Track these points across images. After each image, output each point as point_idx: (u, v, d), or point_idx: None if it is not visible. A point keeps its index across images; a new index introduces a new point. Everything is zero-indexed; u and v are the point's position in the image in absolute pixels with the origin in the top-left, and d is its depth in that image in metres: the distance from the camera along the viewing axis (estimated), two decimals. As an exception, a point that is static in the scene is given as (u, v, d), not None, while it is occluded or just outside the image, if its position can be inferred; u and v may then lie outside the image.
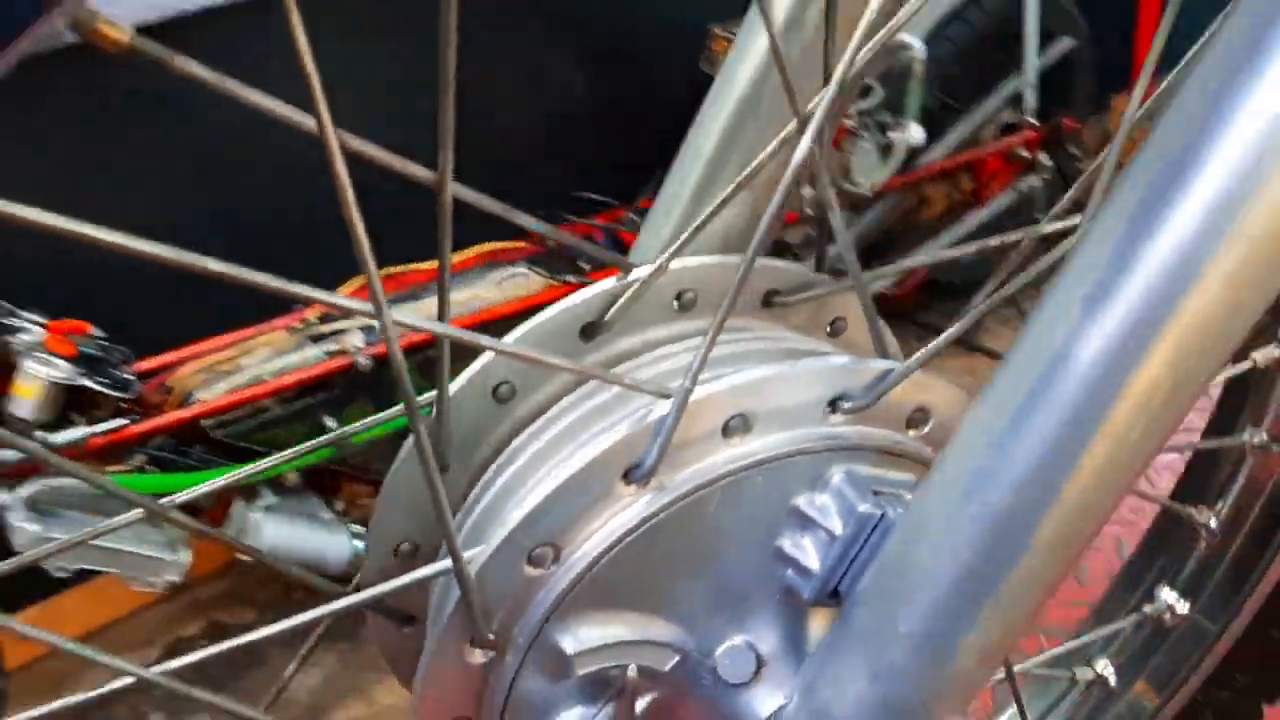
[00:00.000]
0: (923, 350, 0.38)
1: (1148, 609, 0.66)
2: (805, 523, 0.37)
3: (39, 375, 1.20)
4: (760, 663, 0.38)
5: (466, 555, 0.35)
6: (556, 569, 0.37)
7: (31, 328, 1.22)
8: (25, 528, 1.22)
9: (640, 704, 0.38)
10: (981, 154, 1.88)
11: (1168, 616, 0.65)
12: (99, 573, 1.27)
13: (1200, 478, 0.67)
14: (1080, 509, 0.32)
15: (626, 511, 0.36)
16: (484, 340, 0.35)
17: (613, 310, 0.42)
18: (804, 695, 0.37)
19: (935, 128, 1.86)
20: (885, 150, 1.74)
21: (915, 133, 1.74)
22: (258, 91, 0.27)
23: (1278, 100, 0.27)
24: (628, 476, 0.36)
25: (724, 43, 1.70)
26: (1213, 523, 0.63)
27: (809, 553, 0.37)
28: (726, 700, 0.38)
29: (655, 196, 0.48)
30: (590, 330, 0.42)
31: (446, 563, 0.35)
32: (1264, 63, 0.28)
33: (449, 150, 0.30)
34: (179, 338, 1.29)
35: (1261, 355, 0.60)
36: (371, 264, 0.29)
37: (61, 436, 1.23)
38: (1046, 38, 1.92)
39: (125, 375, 1.24)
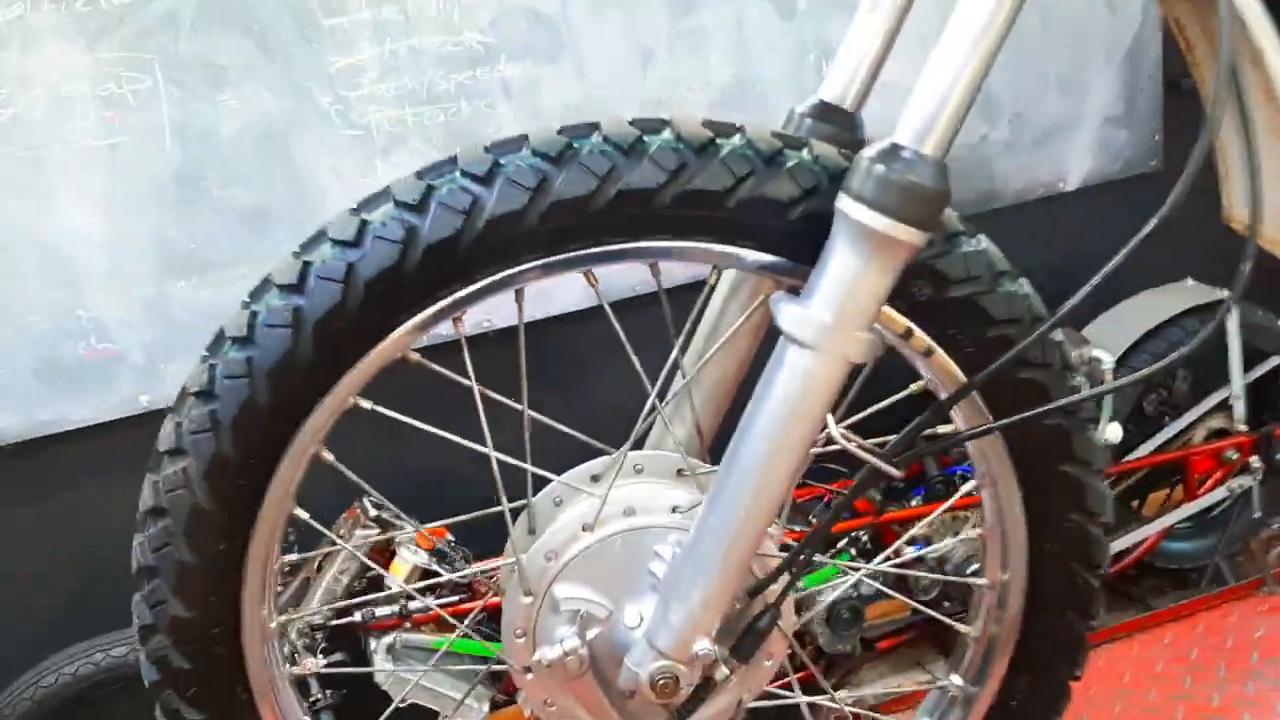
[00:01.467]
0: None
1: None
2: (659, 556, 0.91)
3: (408, 560, 1.89)
4: (641, 618, 0.91)
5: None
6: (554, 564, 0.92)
7: (408, 528, 1.93)
8: (383, 664, 1.87)
9: (589, 633, 0.91)
10: (1189, 454, 2.19)
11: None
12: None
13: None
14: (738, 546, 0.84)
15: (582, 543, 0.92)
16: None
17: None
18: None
19: (1150, 430, 2.22)
20: (1084, 444, 2.13)
21: (1112, 431, 2.12)
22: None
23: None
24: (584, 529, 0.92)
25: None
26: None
27: (661, 566, 0.90)
28: (622, 635, 0.91)
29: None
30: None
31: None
32: None
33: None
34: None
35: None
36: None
37: (415, 604, 1.89)
38: (1257, 355, 2.24)
39: (463, 568, 1.89)
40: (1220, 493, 2.22)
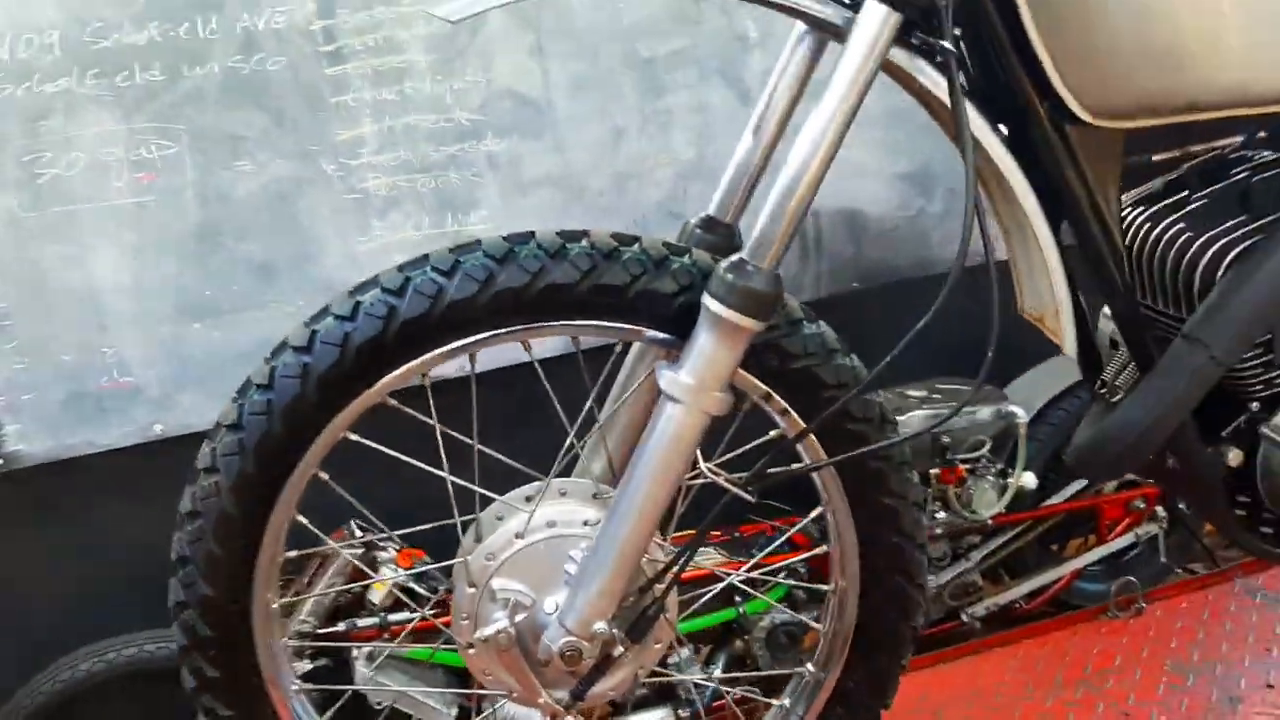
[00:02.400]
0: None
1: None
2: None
3: (388, 576, 2.20)
4: (556, 606, 1.23)
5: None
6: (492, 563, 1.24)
7: (390, 549, 2.24)
8: (361, 670, 2.17)
9: (517, 616, 1.23)
10: (1099, 501, 2.51)
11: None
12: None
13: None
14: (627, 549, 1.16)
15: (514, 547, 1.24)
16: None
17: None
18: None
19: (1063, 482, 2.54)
20: (1001, 490, 2.45)
21: (1028, 478, 2.44)
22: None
23: None
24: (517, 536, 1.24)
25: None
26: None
27: (574, 566, 1.22)
28: (542, 618, 1.22)
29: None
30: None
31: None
32: None
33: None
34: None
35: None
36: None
37: (395, 616, 2.20)
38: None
39: (436, 586, 2.20)
40: (1129, 538, 2.53)
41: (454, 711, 2.20)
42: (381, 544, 2.20)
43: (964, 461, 2.43)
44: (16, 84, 2.00)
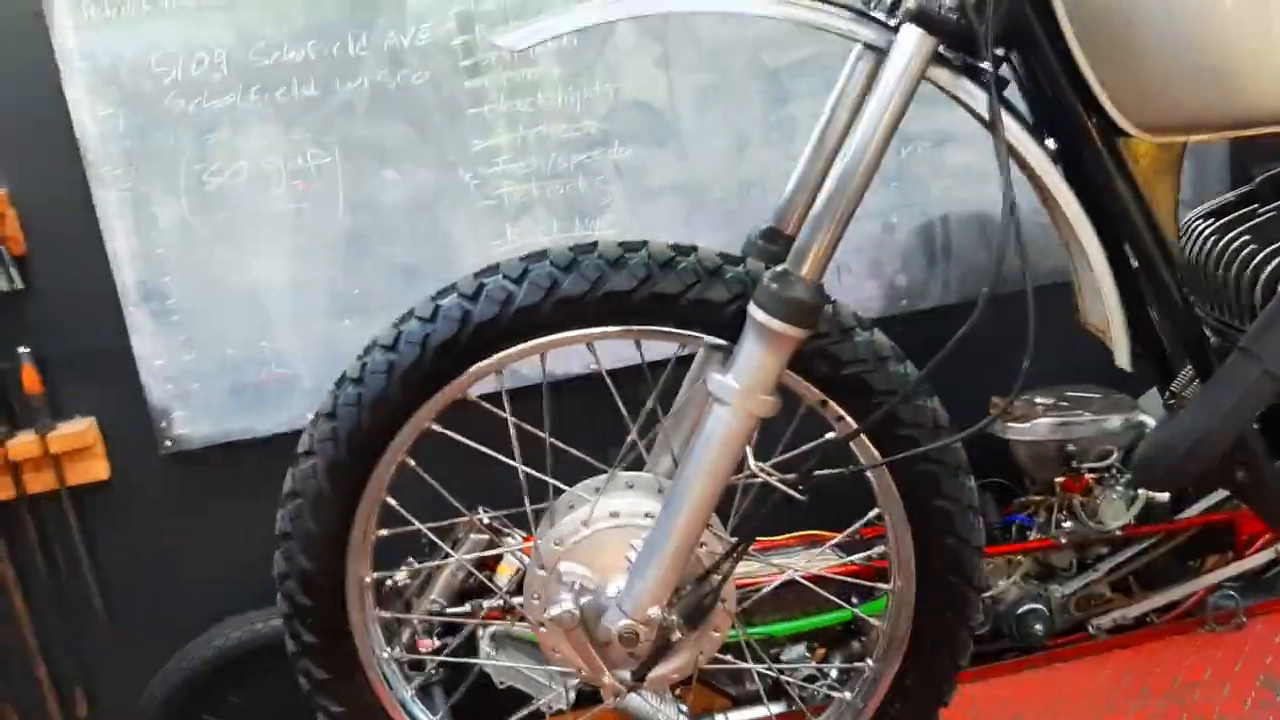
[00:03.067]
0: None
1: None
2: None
3: (514, 565, 2.33)
4: (618, 591, 1.32)
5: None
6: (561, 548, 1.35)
7: (516, 536, 2.37)
8: (486, 650, 2.31)
9: (582, 599, 1.33)
10: (1236, 515, 2.43)
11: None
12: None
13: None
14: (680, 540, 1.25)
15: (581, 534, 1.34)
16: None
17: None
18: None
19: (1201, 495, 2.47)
20: (1130, 501, 2.41)
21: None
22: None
23: None
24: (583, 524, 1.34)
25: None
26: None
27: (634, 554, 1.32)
28: (605, 601, 1.32)
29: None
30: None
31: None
32: None
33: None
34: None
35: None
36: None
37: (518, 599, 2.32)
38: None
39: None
40: (1268, 554, 2.43)
41: (572, 696, 2.31)
42: (507, 530, 2.33)
43: (1091, 471, 2.40)
44: (189, 100, 2.22)
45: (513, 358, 1.29)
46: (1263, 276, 1.25)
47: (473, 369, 1.29)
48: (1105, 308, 1.20)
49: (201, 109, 2.24)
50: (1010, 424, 2.42)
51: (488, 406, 1.34)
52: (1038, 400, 2.49)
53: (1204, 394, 1.24)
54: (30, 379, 2.23)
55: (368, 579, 1.39)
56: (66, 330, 2.26)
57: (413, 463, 1.36)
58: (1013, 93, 1.25)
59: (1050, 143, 1.22)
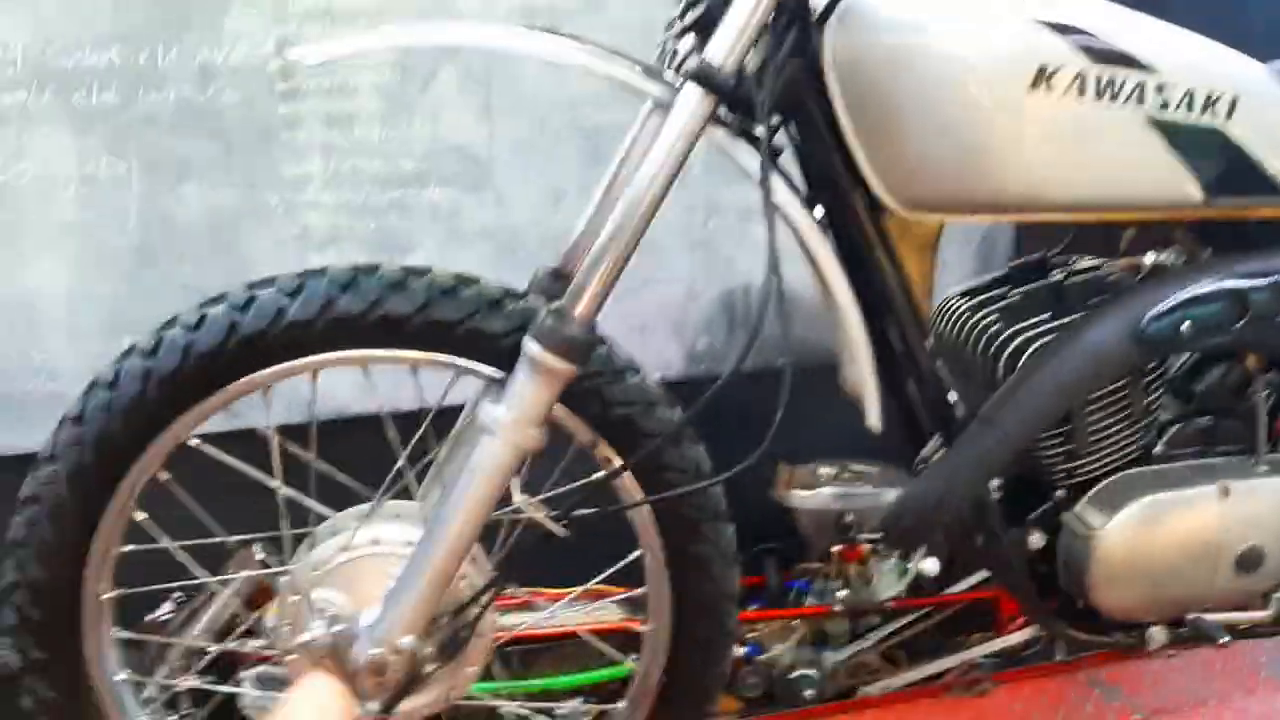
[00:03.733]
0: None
1: None
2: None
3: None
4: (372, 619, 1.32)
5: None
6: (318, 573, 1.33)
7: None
8: (247, 691, 2.23)
9: (335, 627, 1.32)
10: (999, 593, 2.57)
11: None
12: None
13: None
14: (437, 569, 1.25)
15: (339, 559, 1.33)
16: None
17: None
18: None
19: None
20: (902, 573, 2.52)
21: (929, 564, 2.51)
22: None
23: None
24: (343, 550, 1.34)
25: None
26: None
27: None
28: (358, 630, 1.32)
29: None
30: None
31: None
32: None
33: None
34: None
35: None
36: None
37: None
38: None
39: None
40: (1027, 633, 2.58)
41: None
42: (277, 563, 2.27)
43: (868, 541, 2.51)
44: (-24, 95, 2.13)
45: (281, 374, 1.28)
46: (1006, 353, 1.35)
47: (238, 383, 1.27)
48: (860, 371, 1.28)
49: (-11, 105, 2.15)
50: (794, 491, 2.51)
51: (251, 425, 1.32)
52: (822, 470, 2.59)
53: (945, 459, 1.33)
54: None
55: (106, 596, 1.34)
56: None
57: (166, 475, 1.32)
58: (788, 159, 1.33)
59: (819, 210, 1.30)
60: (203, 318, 1.26)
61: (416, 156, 2.39)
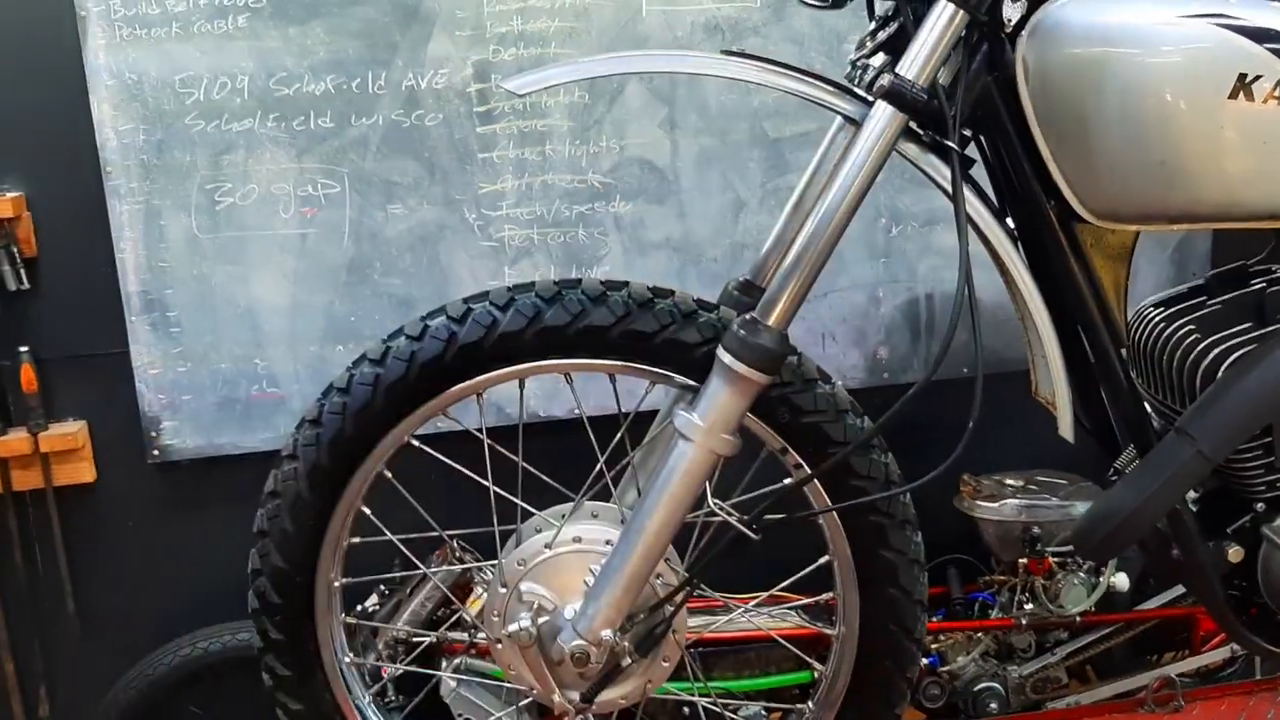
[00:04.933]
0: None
1: None
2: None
3: (482, 595, 2.39)
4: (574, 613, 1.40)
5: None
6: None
7: (489, 569, 2.43)
8: (447, 681, 2.37)
9: (540, 619, 1.41)
10: (1196, 610, 2.50)
11: None
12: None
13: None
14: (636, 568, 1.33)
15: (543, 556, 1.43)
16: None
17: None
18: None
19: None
20: (1092, 588, 2.48)
21: (1120, 579, 2.47)
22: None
23: None
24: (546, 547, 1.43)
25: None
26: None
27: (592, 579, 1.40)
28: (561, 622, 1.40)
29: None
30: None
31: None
32: None
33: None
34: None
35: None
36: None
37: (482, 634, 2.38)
38: None
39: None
40: (1223, 652, 2.49)
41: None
42: (477, 560, 2.39)
43: (1055, 554, 2.47)
44: (208, 121, 2.33)
45: (492, 381, 1.38)
46: (1203, 364, 1.34)
47: (454, 388, 1.38)
48: (1053, 380, 1.29)
49: (219, 131, 2.34)
50: (979, 502, 2.50)
51: (463, 425, 1.43)
52: (1008, 481, 2.57)
53: (1140, 470, 1.32)
54: (28, 378, 2.32)
55: (336, 583, 1.47)
56: (67, 333, 2.35)
57: (389, 474, 1.44)
58: (979, 172, 1.36)
59: (1010, 222, 1.32)
60: (425, 329, 1.37)
61: (603, 171, 2.49)
